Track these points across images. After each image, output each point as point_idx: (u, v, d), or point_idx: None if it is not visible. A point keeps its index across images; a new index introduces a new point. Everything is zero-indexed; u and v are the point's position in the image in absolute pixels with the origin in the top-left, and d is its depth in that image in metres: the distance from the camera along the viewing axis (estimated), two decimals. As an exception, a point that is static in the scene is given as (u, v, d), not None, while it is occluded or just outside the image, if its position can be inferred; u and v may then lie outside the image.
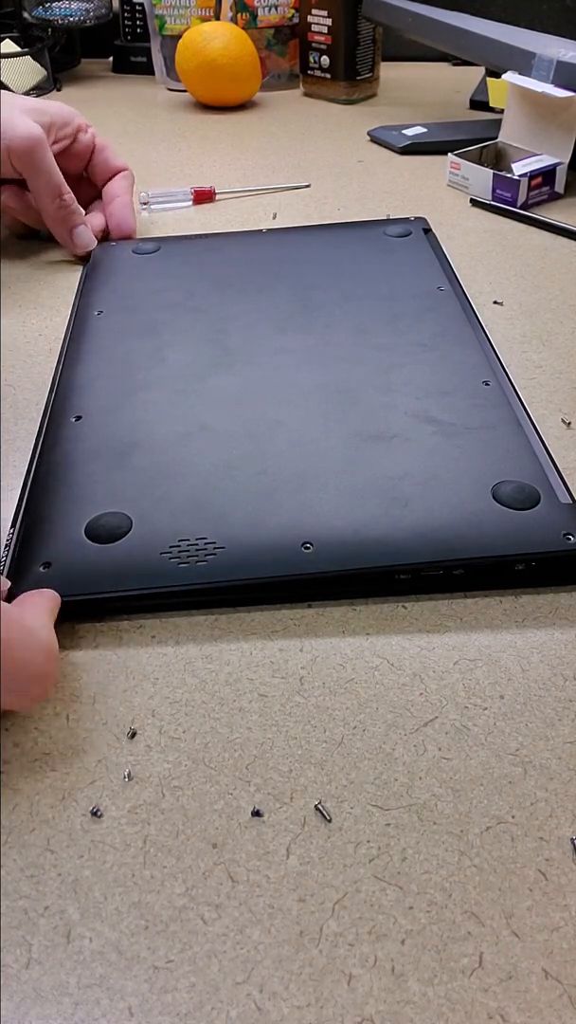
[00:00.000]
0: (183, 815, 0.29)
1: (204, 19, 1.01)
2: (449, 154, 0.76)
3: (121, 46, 1.14)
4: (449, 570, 0.36)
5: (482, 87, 0.96)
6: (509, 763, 0.30)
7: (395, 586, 0.37)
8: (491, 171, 0.72)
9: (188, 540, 0.37)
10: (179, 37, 0.99)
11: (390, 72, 1.07)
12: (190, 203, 0.75)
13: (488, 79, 0.85)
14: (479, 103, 0.96)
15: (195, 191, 0.75)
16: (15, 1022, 0.24)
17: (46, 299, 0.61)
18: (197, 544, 0.37)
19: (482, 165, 0.74)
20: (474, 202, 0.73)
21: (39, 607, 0.33)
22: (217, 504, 0.39)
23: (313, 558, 0.36)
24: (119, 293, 0.57)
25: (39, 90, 1.07)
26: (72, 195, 0.63)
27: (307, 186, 0.78)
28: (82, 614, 0.36)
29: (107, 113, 1.00)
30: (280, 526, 0.37)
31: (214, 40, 0.95)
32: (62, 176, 0.62)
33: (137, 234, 0.68)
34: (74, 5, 1.09)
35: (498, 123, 0.78)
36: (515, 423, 0.43)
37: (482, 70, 0.97)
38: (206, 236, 0.66)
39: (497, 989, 0.24)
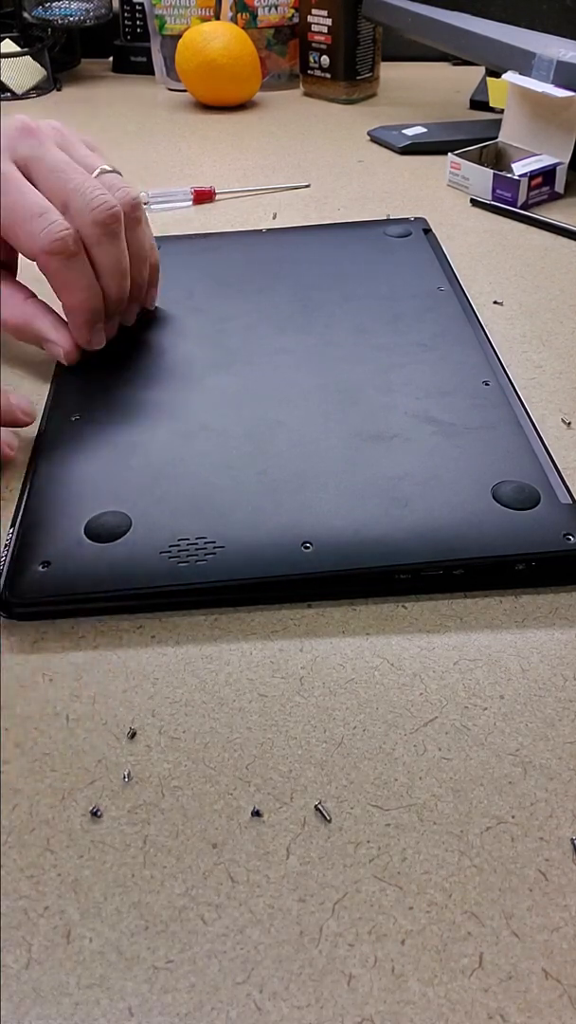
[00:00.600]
0: (183, 815, 0.29)
1: (204, 19, 1.01)
2: (449, 154, 0.76)
3: (121, 46, 1.14)
4: (449, 570, 0.36)
5: (482, 87, 0.96)
6: (509, 763, 0.30)
7: (395, 586, 0.36)
8: (491, 171, 0.72)
9: (188, 539, 0.37)
10: (179, 37, 0.99)
11: (390, 72, 1.07)
12: (190, 203, 0.75)
13: (488, 79, 0.85)
14: (479, 103, 0.96)
15: (195, 191, 0.75)
16: (15, 1022, 0.24)
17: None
18: (197, 544, 0.37)
19: (482, 165, 0.74)
20: (474, 202, 0.73)
21: None
22: (217, 504, 0.39)
23: (313, 558, 0.36)
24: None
25: (39, 90, 1.07)
26: None
27: (307, 186, 0.78)
28: (82, 614, 0.36)
29: (107, 113, 1.00)
30: (280, 526, 0.37)
31: (214, 40, 0.95)
32: None
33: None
34: (74, 5, 1.09)
35: (498, 123, 0.78)
36: (515, 423, 0.43)
37: (482, 70, 0.97)
38: (206, 236, 0.66)
39: (497, 989, 0.24)
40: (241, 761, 0.30)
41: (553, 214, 0.70)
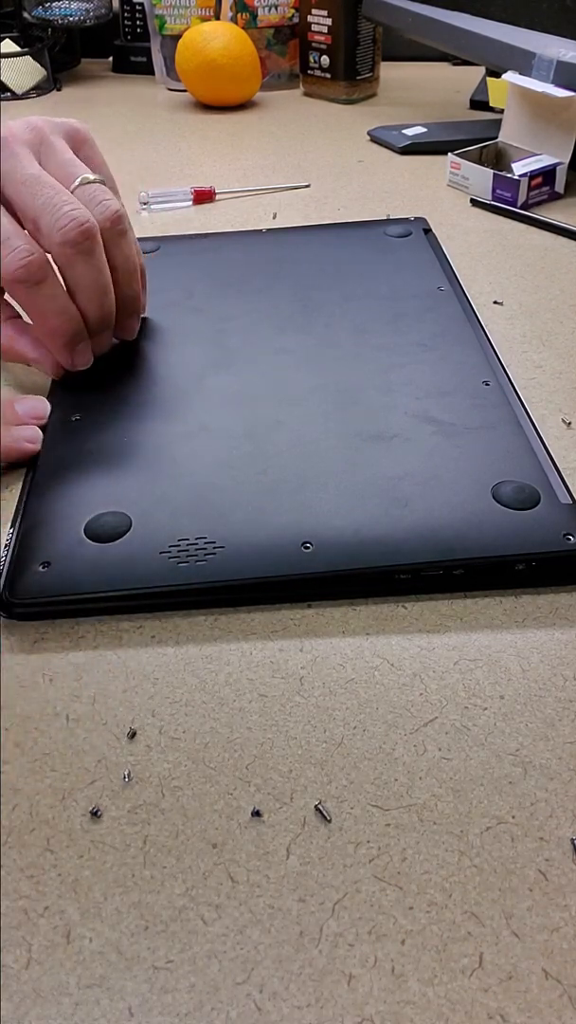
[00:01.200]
0: (183, 815, 0.29)
1: (204, 19, 1.01)
2: (449, 154, 0.76)
3: (121, 46, 1.14)
4: (449, 570, 0.36)
5: (482, 87, 0.96)
6: (509, 763, 0.30)
7: (395, 586, 0.36)
8: (491, 171, 0.72)
9: (188, 539, 0.37)
10: (179, 37, 0.99)
11: (390, 72, 1.07)
12: (190, 203, 0.75)
13: (488, 79, 0.85)
14: (479, 103, 0.96)
15: (195, 191, 0.75)
16: (15, 1022, 0.24)
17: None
18: (197, 544, 0.37)
19: (482, 165, 0.74)
20: (474, 202, 0.73)
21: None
22: (217, 504, 0.39)
23: (313, 558, 0.36)
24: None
25: (39, 90, 1.07)
26: None
27: (307, 186, 0.78)
28: (82, 614, 0.36)
29: (107, 113, 1.00)
30: (280, 526, 0.37)
31: (214, 40, 0.95)
32: None
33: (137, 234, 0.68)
34: (74, 5, 1.09)
35: (498, 123, 0.78)
36: (515, 423, 0.43)
37: (482, 70, 0.97)
38: (206, 236, 0.66)
39: (497, 989, 0.24)
40: (241, 761, 0.30)
41: (553, 214, 0.70)
